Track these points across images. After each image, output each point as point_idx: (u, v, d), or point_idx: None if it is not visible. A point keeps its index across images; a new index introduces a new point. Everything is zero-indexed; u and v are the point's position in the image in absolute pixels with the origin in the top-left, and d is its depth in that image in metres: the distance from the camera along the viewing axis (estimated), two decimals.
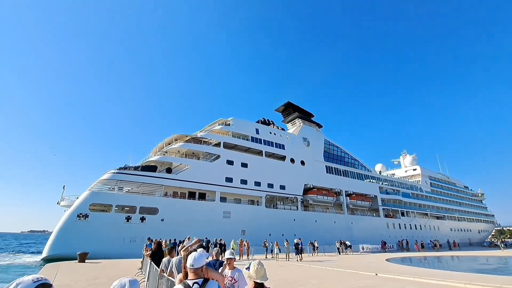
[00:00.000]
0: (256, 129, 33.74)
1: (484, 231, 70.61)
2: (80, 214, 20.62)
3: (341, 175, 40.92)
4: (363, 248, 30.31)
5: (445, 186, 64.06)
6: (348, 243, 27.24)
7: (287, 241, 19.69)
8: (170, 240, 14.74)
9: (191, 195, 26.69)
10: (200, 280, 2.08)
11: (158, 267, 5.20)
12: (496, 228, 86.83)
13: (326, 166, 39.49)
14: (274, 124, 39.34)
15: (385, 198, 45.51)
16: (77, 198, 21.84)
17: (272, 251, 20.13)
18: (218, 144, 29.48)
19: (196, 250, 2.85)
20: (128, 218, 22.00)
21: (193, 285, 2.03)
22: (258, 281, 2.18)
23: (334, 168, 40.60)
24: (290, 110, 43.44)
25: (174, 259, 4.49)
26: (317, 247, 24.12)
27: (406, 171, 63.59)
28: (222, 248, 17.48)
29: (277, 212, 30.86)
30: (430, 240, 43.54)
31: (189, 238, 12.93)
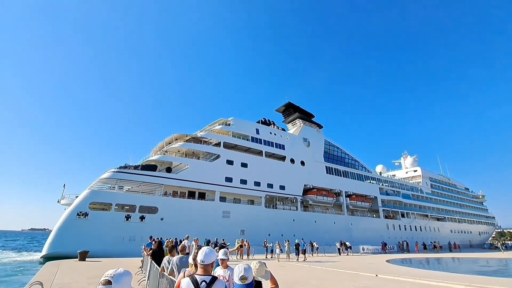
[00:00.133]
0: (256, 129, 33.74)
1: (484, 233, 70.47)
2: (80, 212, 20.67)
3: (341, 175, 40.89)
4: (363, 249, 30.28)
5: (445, 187, 63.97)
6: (348, 243, 27.22)
7: (287, 241, 19.68)
8: (171, 239, 14.69)
9: (191, 194, 26.71)
10: (208, 278, 2.03)
11: (159, 266, 5.18)
12: (496, 230, 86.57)
13: (326, 166, 39.47)
14: (274, 125, 39.33)
15: (385, 199, 45.44)
16: (77, 196, 21.87)
17: (272, 251, 20.08)
18: (218, 144, 29.49)
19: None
20: (127, 217, 22.04)
21: (201, 283, 1.98)
22: (256, 279, 2.12)
23: (334, 168, 40.57)
24: (290, 110, 43.43)
25: (175, 258, 4.47)
26: (317, 248, 24.10)
27: (406, 172, 63.51)
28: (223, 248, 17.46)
29: (276, 212, 30.84)
30: (431, 242, 43.48)
31: (188, 238, 12.95)
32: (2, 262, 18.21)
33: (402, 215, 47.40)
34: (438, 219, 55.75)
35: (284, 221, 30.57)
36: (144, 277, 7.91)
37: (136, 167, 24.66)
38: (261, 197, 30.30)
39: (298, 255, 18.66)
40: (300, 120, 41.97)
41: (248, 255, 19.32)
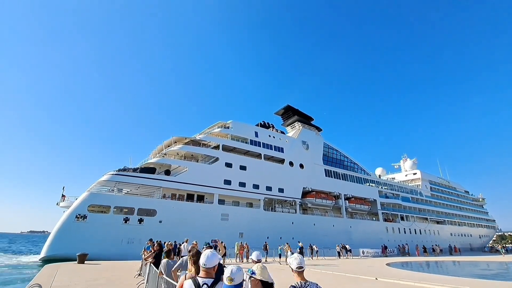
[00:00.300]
0: (255, 132, 33.85)
1: (485, 236, 70.22)
2: (79, 215, 20.67)
3: (340, 178, 40.89)
4: (363, 252, 30.15)
5: (445, 190, 63.90)
6: (348, 247, 27.10)
7: (287, 244, 19.53)
8: (170, 242, 14.62)
9: (190, 197, 26.71)
10: (209, 280, 2.05)
11: (157, 269, 5.19)
12: (497, 234, 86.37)
13: (325, 169, 39.49)
14: (273, 127, 39.45)
15: (384, 202, 45.38)
16: (76, 199, 21.83)
17: (280, 255, 19.17)
18: (217, 147, 29.56)
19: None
20: (126, 220, 22.01)
21: (202, 286, 2.02)
22: (267, 280, 2.11)
23: (333, 171, 40.59)
24: (289, 113, 43.59)
25: (161, 263, 4.52)
26: (317, 251, 23.97)
27: (406, 175, 63.50)
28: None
29: (275, 215, 30.79)
30: (431, 245, 43.32)
31: (187, 241, 12.89)
32: (1, 264, 18.07)
33: (402, 218, 47.28)
34: (438, 222, 55.60)
35: (283, 224, 30.50)
36: (143, 280, 7.88)
37: (135, 170, 24.69)
38: (259, 200, 30.27)
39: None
40: (299, 123, 42.11)
41: (247, 258, 19.22)
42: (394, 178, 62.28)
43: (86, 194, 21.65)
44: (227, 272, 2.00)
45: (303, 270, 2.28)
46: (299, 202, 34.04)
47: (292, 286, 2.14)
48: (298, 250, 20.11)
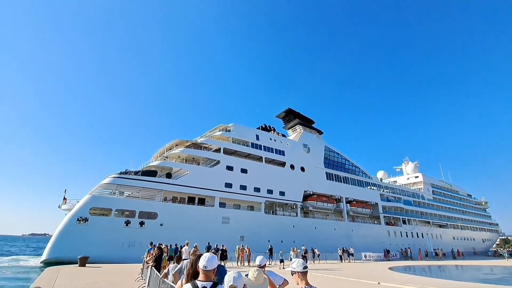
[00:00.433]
0: (256, 135, 33.94)
1: (488, 240, 69.50)
2: (80, 218, 20.72)
3: (341, 181, 40.79)
4: (365, 256, 29.92)
5: (447, 194, 63.48)
6: (351, 250, 26.85)
7: (293, 250, 19.44)
8: (170, 245, 14.64)
9: (191, 200, 26.71)
10: (209, 284, 2.05)
11: (159, 272, 5.21)
12: (500, 237, 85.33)
13: (326, 172, 39.43)
14: (275, 131, 39.56)
15: (386, 205, 45.14)
16: (78, 202, 21.89)
17: (282, 260, 18.42)
18: (218, 150, 29.63)
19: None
20: (127, 223, 22.01)
21: None
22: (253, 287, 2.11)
23: (335, 174, 40.52)
24: (291, 116, 43.73)
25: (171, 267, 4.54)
26: (319, 255, 23.82)
27: (408, 179, 63.21)
28: (224, 254, 17.32)
29: (276, 218, 30.69)
30: (433, 249, 42.90)
31: (188, 244, 12.90)
32: (2, 267, 18.09)
33: (404, 222, 46.97)
34: (440, 226, 55.17)
35: (284, 227, 30.39)
36: (144, 283, 7.88)
37: (136, 173, 24.79)
38: (260, 203, 30.22)
39: (307, 261, 18.37)
40: (300, 126, 42.20)
41: (249, 261, 19.12)
42: (396, 181, 61.95)
43: (87, 197, 21.73)
44: (228, 280, 2.01)
45: (307, 271, 2.29)
46: (300, 205, 33.93)
47: None
48: (303, 253, 20.04)
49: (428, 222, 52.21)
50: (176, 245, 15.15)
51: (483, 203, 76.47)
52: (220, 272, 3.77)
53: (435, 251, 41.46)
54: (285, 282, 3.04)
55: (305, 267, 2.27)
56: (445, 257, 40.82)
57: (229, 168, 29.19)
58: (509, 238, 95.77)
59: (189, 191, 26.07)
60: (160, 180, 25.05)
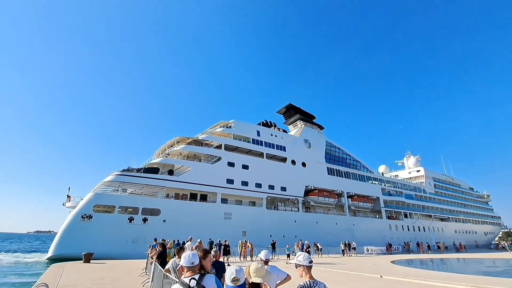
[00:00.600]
0: (257, 131, 33.89)
1: (490, 233, 69.65)
2: (84, 215, 20.95)
3: (342, 176, 40.80)
4: (367, 250, 30.08)
5: (449, 187, 63.40)
6: (354, 244, 26.98)
7: (297, 244, 19.62)
8: (174, 241, 14.76)
9: (193, 196, 26.88)
10: (196, 276, 2.14)
11: (163, 268, 5.21)
12: (503, 230, 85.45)
13: (327, 167, 39.42)
14: (275, 126, 39.43)
15: (387, 199, 45.20)
16: (82, 199, 22.10)
17: (288, 255, 18.90)
18: (219, 146, 29.65)
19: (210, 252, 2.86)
20: (130, 219, 22.25)
21: (190, 281, 2.08)
22: (253, 280, 2.08)
23: (336, 169, 40.50)
24: (291, 112, 43.52)
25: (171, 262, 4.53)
26: (321, 249, 23.99)
27: (409, 173, 63.10)
28: (227, 249, 17.45)
29: (278, 213, 30.85)
30: (435, 243, 43.07)
31: (191, 239, 12.98)
32: (8, 264, 18.40)
33: (405, 216, 47.08)
34: (442, 220, 55.25)
35: (285, 222, 30.58)
36: (148, 278, 7.95)
37: (138, 170, 24.93)
38: (262, 199, 30.35)
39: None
40: (301, 121, 42.03)
41: (251, 256, 19.30)
42: (397, 175, 61.91)
43: (91, 195, 21.94)
44: (231, 273, 2.02)
45: (312, 265, 2.30)
46: (302, 200, 34.06)
47: (301, 286, 2.12)
48: (305, 248, 20.18)
49: (430, 216, 52.28)
50: (178, 241, 15.27)
51: (485, 196, 76.35)
52: (218, 267, 3.76)
53: (437, 244, 41.62)
54: (288, 277, 3.03)
55: (311, 261, 2.28)
56: (447, 250, 40.98)
57: (231, 164, 29.24)
58: (511, 231, 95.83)
59: (191, 187, 26.22)
60: (162, 177, 25.19)
